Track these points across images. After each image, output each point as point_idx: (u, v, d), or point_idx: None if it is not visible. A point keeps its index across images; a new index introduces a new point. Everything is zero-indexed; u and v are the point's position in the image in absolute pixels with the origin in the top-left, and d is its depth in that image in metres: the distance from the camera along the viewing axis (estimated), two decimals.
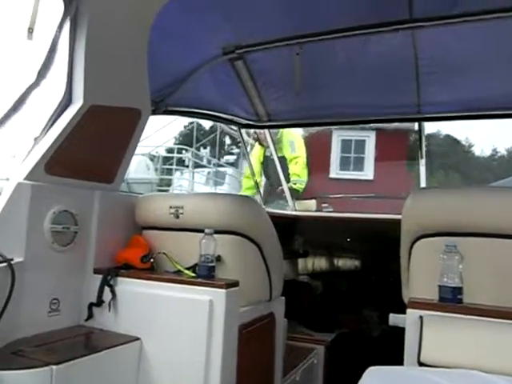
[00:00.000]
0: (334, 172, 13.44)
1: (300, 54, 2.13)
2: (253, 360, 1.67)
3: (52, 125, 1.58)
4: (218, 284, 1.49)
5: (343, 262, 3.26)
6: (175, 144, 13.94)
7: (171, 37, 1.98)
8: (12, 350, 1.32)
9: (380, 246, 2.82)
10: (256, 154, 4.05)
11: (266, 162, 3.95)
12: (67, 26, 1.51)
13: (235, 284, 1.53)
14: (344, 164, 13.63)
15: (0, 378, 1.16)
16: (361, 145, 13.47)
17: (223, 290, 1.47)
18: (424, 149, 2.77)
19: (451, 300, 1.24)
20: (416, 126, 2.82)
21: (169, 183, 11.20)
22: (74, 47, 1.56)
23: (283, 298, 1.97)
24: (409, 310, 1.29)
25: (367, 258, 3.13)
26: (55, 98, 1.59)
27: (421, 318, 1.21)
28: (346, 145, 13.61)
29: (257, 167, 3.97)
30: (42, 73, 1.47)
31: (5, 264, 1.32)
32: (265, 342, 1.81)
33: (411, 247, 1.50)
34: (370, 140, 13.27)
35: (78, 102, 1.58)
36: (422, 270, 1.45)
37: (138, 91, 1.79)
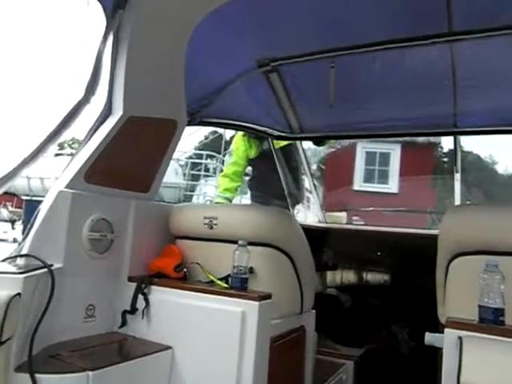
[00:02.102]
0: (358, 184, 13.31)
1: (335, 67, 2.13)
2: (283, 373, 1.66)
3: (92, 135, 1.63)
4: (251, 296, 1.49)
5: (373, 276, 3.20)
6: (196, 149, 14.07)
7: (207, 50, 2.02)
8: (50, 354, 1.35)
9: (411, 261, 2.77)
10: (241, 147, 3.40)
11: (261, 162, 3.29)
12: (110, 40, 1.57)
13: (268, 296, 1.52)
14: (368, 176, 13.49)
15: (40, 380, 1.19)
16: (385, 157, 13.31)
17: (256, 303, 1.46)
18: (459, 163, 2.72)
19: (493, 321, 1.20)
20: (443, 139, 2.78)
21: (193, 189, 11.32)
22: (116, 60, 1.61)
23: (314, 311, 1.95)
24: (447, 330, 1.24)
25: (398, 272, 3.06)
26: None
27: (460, 338, 1.17)
28: (370, 157, 13.47)
29: (240, 165, 3.42)
30: (90, 88, 1.52)
31: (45, 269, 1.36)
32: (295, 356, 1.80)
33: (448, 264, 1.46)
34: (395, 153, 13.10)
35: (117, 113, 1.63)
36: (461, 289, 1.41)
37: (174, 103, 1.83)
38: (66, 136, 1.55)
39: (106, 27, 1.53)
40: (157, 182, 1.85)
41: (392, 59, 2.12)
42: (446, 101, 2.31)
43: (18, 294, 1.20)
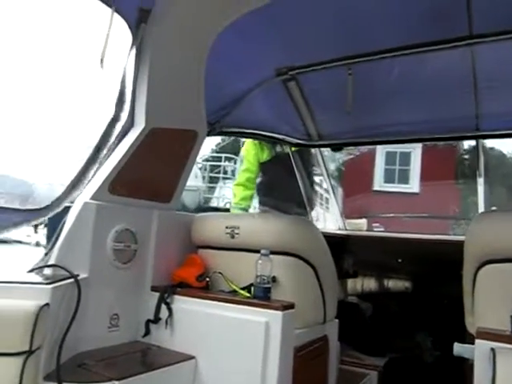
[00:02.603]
0: (378, 184, 13.16)
1: (353, 74, 2.12)
2: None
3: (115, 147, 1.66)
4: (274, 306, 1.48)
5: (394, 284, 3.15)
6: (213, 152, 14.15)
7: (226, 60, 2.04)
8: (76, 363, 1.37)
9: (433, 267, 2.72)
10: (251, 151, 3.24)
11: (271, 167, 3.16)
12: (133, 54, 1.60)
13: (291, 306, 1.51)
14: (388, 176, 13.31)
15: None
16: (406, 157, 13.12)
17: (280, 312, 1.45)
18: (482, 167, 2.66)
19: None
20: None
21: (212, 191, 11.39)
22: (138, 74, 1.64)
23: (337, 320, 1.93)
24: (478, 341, 1.21)
25: (419, 280, 3.01)
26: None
27: (493, 350, 1.14)
28: (390, 157, 13.31)
29: (253, 171, 3.26)
30: (119, 106, 1.55)
31: (72, 280, 1.38)
32: (318, 366, 1.78)
33: (476, 272, 1.43)
34: (416, 152, 12.91)
35: (139, 126, 1.66)
36: (490, 298, 1.37)
37: (195, 114, 1.85)
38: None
39: (132, 43, 1.57)
40: (178, 191, 1.87)
41: (411, 64, 2.11)
42: (467, 104, 2.27)
43: (47, 304, 1.23)
